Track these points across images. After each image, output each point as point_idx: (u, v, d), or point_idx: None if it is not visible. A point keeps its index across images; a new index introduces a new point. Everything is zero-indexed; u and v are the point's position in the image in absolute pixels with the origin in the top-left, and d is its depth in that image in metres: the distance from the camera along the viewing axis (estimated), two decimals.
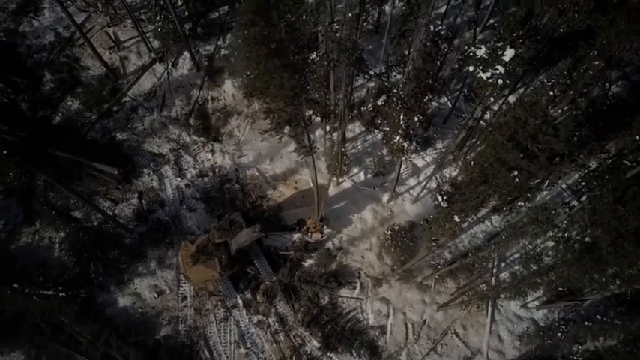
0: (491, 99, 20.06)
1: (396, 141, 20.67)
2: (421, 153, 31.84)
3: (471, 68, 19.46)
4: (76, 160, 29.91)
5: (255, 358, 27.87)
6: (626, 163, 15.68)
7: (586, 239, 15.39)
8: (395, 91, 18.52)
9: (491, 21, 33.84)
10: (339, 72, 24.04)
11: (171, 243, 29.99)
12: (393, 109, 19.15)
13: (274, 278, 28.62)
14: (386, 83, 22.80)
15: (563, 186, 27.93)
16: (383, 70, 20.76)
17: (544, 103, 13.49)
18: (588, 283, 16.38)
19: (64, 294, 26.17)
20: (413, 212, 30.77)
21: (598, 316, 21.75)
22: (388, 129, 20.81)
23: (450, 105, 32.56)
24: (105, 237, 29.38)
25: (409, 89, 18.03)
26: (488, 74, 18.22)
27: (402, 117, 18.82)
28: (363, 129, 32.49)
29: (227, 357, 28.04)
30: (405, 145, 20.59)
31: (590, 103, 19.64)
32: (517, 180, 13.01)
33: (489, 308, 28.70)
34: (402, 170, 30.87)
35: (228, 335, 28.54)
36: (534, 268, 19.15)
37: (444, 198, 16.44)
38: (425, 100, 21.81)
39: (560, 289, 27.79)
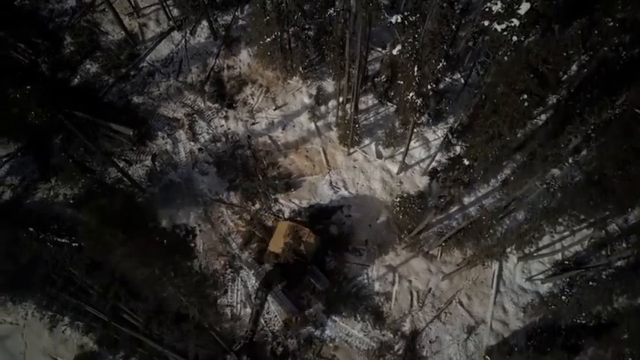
0: (505, 58, 20.29)
1: (409, 98, 20.97)
2: (432, 127, 32.10)
3: (486, 23, 19.75)
4: (92, 119, 30.52)
5: (261, 318, 28.21)
6: (638, 110, 15.82)
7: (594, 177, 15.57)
8: (410, 40, 18.82)
9: None
10: (354, 41, 24.28)
11: (182, 204, 30.50)
12: (407, 60, 19.47)
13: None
14: (401, 37, 22.94)
15: (570, 160, 28.06)
16: (399, 20, 21.14)
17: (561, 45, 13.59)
18: (593, 211, 16.52)
19: (76, 244, 26.65)
20: (422, 184, 31.02)
21: (603, 276, 21.91)
22: (402, 82, 21.13)
23: (462, 81, 32.81)
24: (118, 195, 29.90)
25: (424, 36, 18.28)
26: (503, 26, 18.49)
27: (415, 69, 19.13)
28: (376, 101, 32.86)
29: (233, 316, 28.46)
30: (419, 102, 20.87)
31: (602, 63, 19.83)
32: (526, 104, 13.27)
33: (494, 280, 28.97)
34: (412, 143, 31.17)
35: (235, 295, 28.98)
36: (541, 207, 19.30)
37: (455, 135, 16.70)
38: (439, 67, 22.12)
39: (567, 262, 28.17)
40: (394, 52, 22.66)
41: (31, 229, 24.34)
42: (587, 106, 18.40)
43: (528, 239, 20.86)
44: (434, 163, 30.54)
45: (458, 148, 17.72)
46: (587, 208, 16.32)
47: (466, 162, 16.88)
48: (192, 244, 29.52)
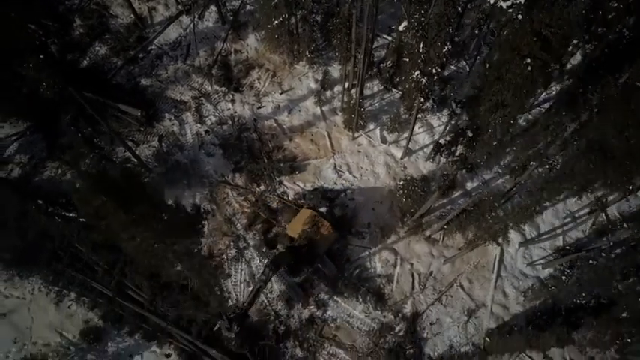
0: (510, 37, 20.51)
1: (414, 76, 21.24)
2: (437, 113, 32.36)
3: (492, 0, 20.00)
4: (101, 100, 30.93)
5: (264, 297, 28.59)
6: (638, 84, 16.05)
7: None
8: (416, 16, 19.10)
9: None
10: (360, 26, 24.49)
11: (188, 185, 30.90)
12: (413, 37, 19.74)
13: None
14: (407, 12, 23.10)
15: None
16: None
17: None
18: (594, 175, 16.76)
19: (84, 219, 27.05)
20: (426, 169, 31.30)
21: (603, 254, 22.17)
22: (408, 60, 21.39)
23: (467, 69, 33.06)
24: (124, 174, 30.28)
25: (430, 16, 18.54)
26: (509, 3, 18.73)
27: (421, 46, 19.40)
28: (382, 87, 33.17)
29: (237, 295, 28.84)
30: (424, 81, 21.14)
31: (606, 46, 20.05)
32: (530, 68, 13.53)
33: (496, 264, 29.27)
34: (417, 129, 31.45)
35: (239, 274, 29.35)
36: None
37: (458, 105, 16.96)
38: (444, 50, 22.35)
39: (567, 248, 28.40)
40: (400, 28, 22.96)
41: (40, 201, 24.76)
42: (591, 85, 18.66)
43: (529, 213, 21.13)
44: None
45: (462, 125, 17.91)
46: (587, 172, 16.55)
47: (470, 134, 17.15)
48: (201, 225, 29.96)
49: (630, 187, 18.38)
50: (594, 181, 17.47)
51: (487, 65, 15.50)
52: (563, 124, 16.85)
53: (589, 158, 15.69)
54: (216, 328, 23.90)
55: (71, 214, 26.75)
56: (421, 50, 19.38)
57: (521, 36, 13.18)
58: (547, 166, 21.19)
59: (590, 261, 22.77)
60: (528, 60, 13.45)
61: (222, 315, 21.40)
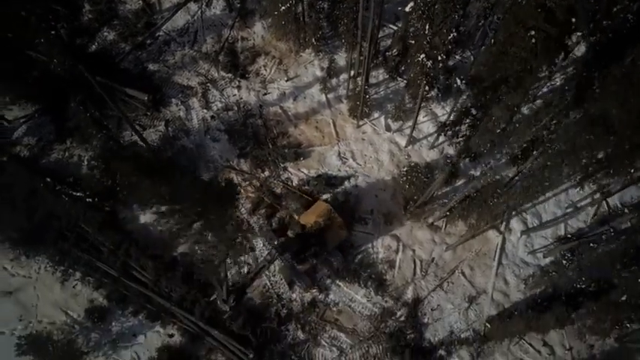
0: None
1: (419, 60, 21.47)
2: (441, 102, 32.55)
3: None
4: (109, 84, 31.24)
5: (267, 281, 28.88)
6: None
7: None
8: None
9: None
10: (367, 17, 24.72)
11: (193, 169, 31.20)
12: (419, 19, 19.97)
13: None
14: None
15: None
16: None
17: None
18: (595, 150, 16.97)
19: (90, 199, 27.40)
20: (430, 157, 31.52)
21: (603, 237, 22.36)
22: (413, 42, 21.59)
23: (472, 59, 33.20)
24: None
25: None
26: None
27: (427, 27, 19.62)
28: (387, 76, 33.35)
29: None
30: (429, 64, 21.36)
31: (611, 32, 20.18)
32: (534, 41, 13.75)
33: (497, 252, 29.48)
34: (421, 118, 31.69)
35: (242, 258, 29.63)
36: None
37: (463, 81, 17.16)
38: (450, 37, 22.54)
39: (569, 236, 28.56)
40: (407, 9, 23.16)
41: (48, 179, 25.10)
42: (595, 69, 18.81)
43: (531, 193, 21.32)
44: (442, 138, 30.97)
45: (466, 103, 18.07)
46: (589, 146, 16.70)
47: (474, 112, 17.36)
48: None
49: (632, 170, 18.54)
50: (596, 161, 17.56)
51: (492, 41, 15.70)
52: (565, 99, 17.00)
53: (590, 130, 15.88)
54: (212, 298, 24.16)
55: (78, 194, 27.07)
56: (427, 32, 19.59)
57: (526, 8, 13.44)
58: (550, 151, 21.34)
59: (591, 244, 22.96)
60: (533, 32, 13.67)
61: (221, 285, 21.71)
